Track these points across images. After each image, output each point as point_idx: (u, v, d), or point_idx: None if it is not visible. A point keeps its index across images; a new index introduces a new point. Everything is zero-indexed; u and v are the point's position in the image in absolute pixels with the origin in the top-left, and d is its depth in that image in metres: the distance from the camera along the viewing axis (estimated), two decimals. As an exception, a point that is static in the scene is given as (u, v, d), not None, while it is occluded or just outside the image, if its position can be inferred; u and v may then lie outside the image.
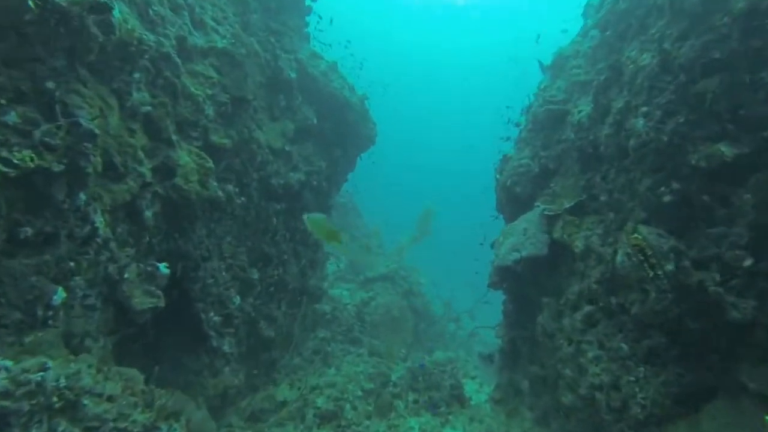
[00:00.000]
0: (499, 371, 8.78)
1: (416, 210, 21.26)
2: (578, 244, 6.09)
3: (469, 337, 20.50)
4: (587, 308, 5.84)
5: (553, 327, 6.87)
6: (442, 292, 23.03)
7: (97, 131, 4.18)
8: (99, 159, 4.38)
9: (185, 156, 5.88)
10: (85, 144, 4.07)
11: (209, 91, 6.47)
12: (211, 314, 7.23)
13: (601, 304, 5.66)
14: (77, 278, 4.31)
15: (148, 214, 5.37)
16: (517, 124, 9.80)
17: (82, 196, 4.26)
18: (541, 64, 10.21)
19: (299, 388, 9.33)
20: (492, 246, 10.03)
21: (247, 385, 8.89)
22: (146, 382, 4.75)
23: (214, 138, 6.54)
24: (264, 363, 9.67)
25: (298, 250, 10.73)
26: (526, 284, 7.60)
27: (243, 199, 7.81)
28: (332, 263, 19.27)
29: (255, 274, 8.45)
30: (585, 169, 6.35)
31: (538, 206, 7.19)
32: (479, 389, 10.49)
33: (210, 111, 6.49)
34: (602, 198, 5.87)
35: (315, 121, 10.10)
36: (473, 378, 11.84)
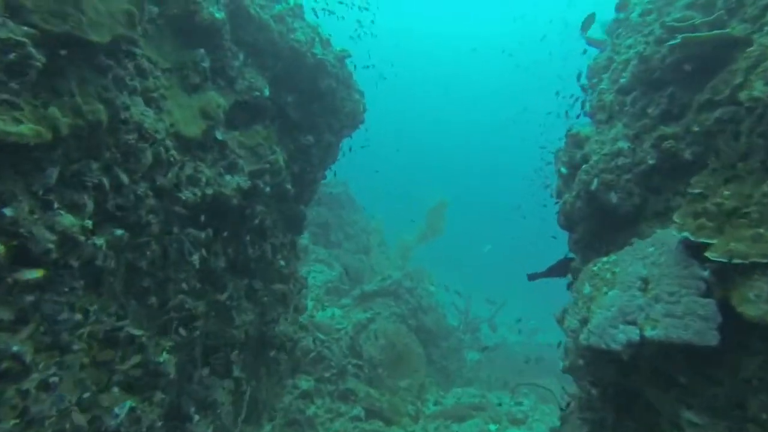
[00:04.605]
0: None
1: (426, 202, 17.64)
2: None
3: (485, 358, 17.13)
4: None
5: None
6: (457, 295, 19.60)
7: None
8: None
9: None
10: None
11: (-29, 20, 2.90)
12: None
13: None
14: None
15: None
16: (584, 89, 6.22)
17: None
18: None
19: None
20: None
21: None
22: None
23: (-3, 123, 3.00)
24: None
25: (255, 287, 7.27)
26: (638, 376, 4.11)
27: (120, 232, 4.31)
28: (323, 271, 15.94)
29: (163, 354, 4.99)
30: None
31: (676, 235, 3.66)
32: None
33: (-19, 64, 2.95)
34: None
35: (267, 93, 6.53)
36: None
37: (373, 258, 17.99)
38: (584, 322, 4.26)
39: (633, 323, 3.69)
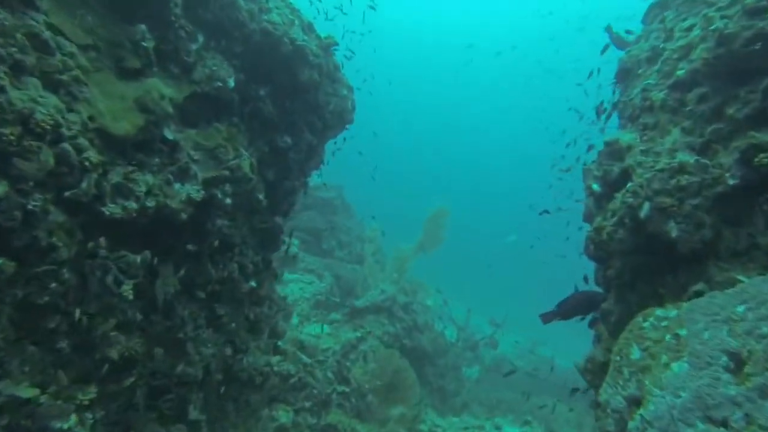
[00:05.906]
0: None
1: (425, 209, 16.41)
2: None
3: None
4: None
5: None
6: (456, 309, 18.46)
7: None
8: None
9: None
10: None
11: None
12: None
13: None
14: None
15: None
16: (617, 82, 5.07)
17: None
18: None
19: None
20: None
21: None
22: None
23: None
24: None
25: (219, 314, 6.11)
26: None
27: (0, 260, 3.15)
28: (312, 282, 14.80)
29: (71, 418, 3.83)
30: None
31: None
32: None
33: None
34: None
35: (232, 84, 5.38)
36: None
37: (368, 268, 16.81)
38: (634, 402, 3.09)
39: (723, 425, 2.51)
